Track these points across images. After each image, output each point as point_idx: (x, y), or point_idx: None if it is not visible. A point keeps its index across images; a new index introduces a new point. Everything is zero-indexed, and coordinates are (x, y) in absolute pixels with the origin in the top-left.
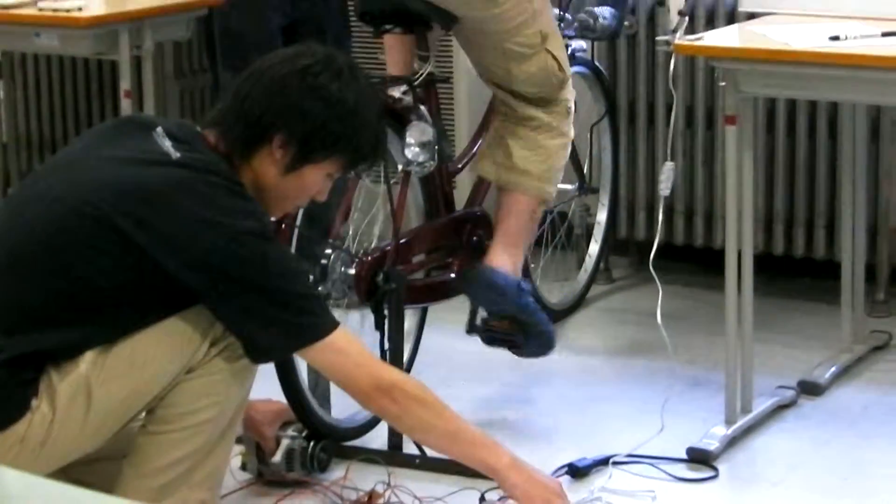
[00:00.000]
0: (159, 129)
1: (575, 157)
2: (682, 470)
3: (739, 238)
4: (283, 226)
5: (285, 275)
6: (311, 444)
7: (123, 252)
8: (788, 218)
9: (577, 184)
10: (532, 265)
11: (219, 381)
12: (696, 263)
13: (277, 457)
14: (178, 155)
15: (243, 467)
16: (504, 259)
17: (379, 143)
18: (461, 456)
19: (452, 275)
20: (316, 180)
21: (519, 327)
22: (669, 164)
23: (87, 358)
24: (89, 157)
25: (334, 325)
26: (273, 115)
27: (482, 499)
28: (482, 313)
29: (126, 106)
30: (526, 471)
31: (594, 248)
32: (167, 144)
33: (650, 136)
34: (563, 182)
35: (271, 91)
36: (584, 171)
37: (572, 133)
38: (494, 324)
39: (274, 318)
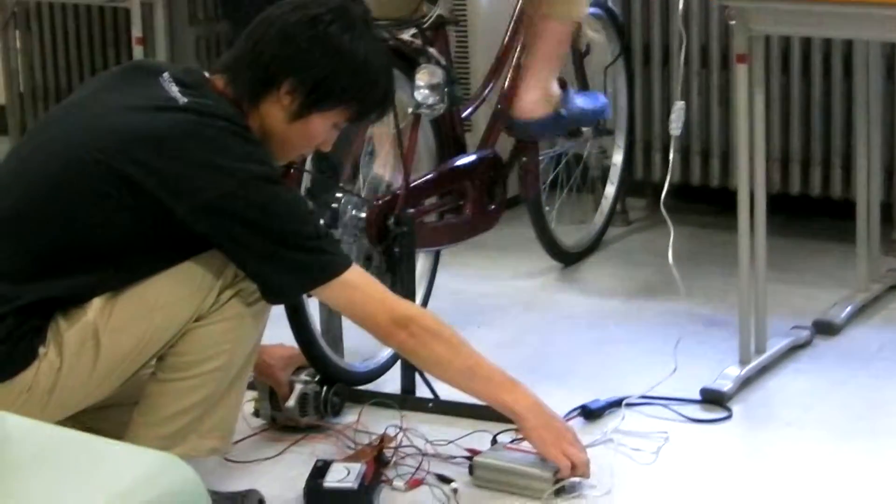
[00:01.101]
0: (166, 75)
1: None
2: (696, 411)
3: (752, 178)
4: (293, 169)
5: (295, 216)
6: (324, 388)
7: (131, 198)
8: (805, 158)
9: (591, 125)
10: (548, 208)
11: (230, 329)
12: (712, 204)
13: (291, 401)
14: (185, 100)
15: (256, 413)
16: (534, 97)
17: (387, 98)
18: (479, 393)
19: (465, 217)
20: (322, 129)
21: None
22: (680, 104)
23: (95, 305)
24: (95, 105)
25: (348, 262)
26: (282, 61)
27: (494, 440)
28: None
29: (138, 53)
30: (544, 414)
31: (610, 189)
32: (174, 90)
33: (665, 77)
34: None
35: (282, 38)
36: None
37: None
38: None
39: (287, 259)
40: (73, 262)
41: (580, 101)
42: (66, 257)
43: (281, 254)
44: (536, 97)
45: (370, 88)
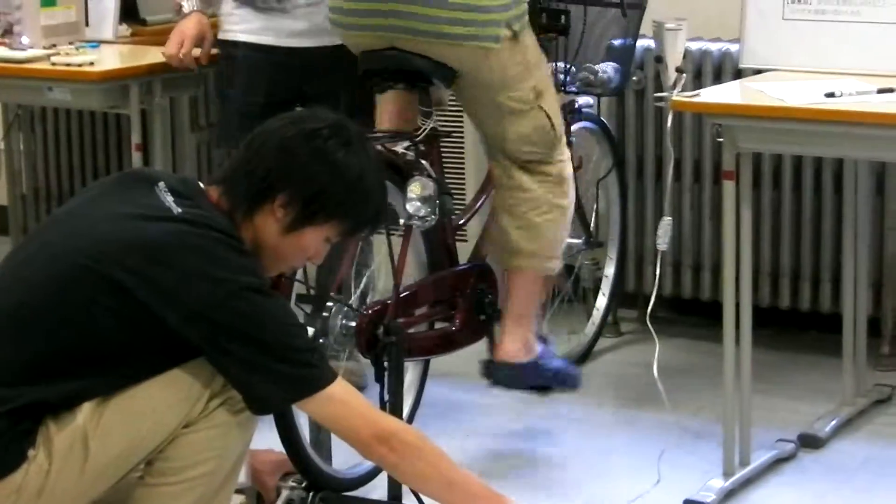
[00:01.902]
0: (161, 184)
1: (581, 212)
2: None
3: (738, 292)
4: (283, 278)
5: (284, 329)
6: (311, 494)
7: (123, 306)
8: (795, 272)
9: (583, 238)
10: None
11: (218, 435)
12: (703, 317)
13: None
14: (179, 210)
15: None
16: (515, 345)
17: (379, 214)
18: None
19: (455, 328)
20: (314, 242)
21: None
22: (667, 220)
23: (85, 409)
24: (92, 211)
25: (333, 376)
26: (278, 174)
27: None
28: None
29: (136, 159)
30: None
31: (602, 301)
32: (169, 199)
33: (658, 191)
34: (570, 237)
35: (279, 150)
36: (591, 225)
37: (569, 199)
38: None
39: (274, 371)
40: (65, 367)
41: (557, 363)
42: (59, 362)
43: (267, 365)
44: (517, 346)
45: (364, 205)
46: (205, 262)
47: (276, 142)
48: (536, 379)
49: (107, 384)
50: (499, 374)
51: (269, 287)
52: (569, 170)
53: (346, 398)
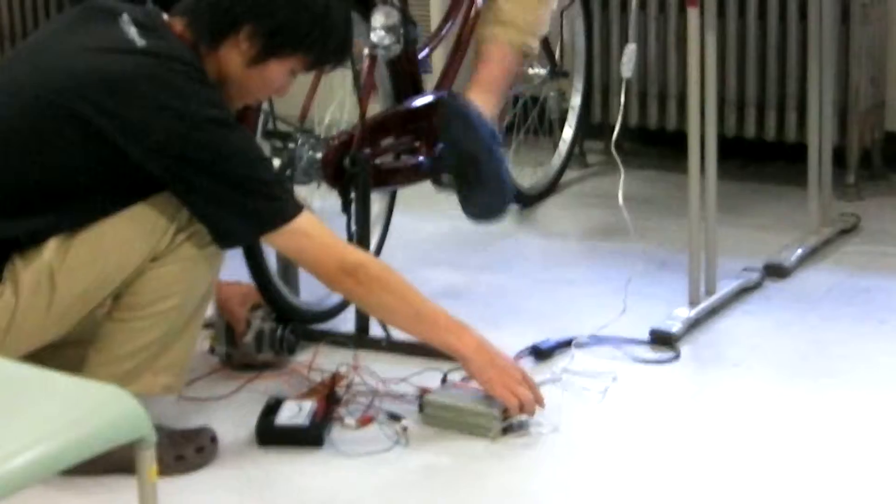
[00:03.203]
0: (125, 17)
1: (546, 42)
2: (645, 351)
3: (703, 121)
4: (249, 111)
5: (248, 161)
6: (280, 326)
7: (87, 140)
8: (760, 102)
9: (548, 67)
10: (505, 149)
11: (185, 269)
12: (669, 147)
13: (248, 337)
14: (142, 42)
15: (211, 350)
16: (479, 101)
17: (345, 47)
18: (426, 337)
19: (421, 158)
20: (279, 75)
21: (475, 169)
22: (632, 46)
23: (51, 245)
24: (53, 46)
25: (298, 209)
26: (242, 6)
27: (444, 379)
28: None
29: None
30: (490, 354)
31: (568, 132)
32: (132, 31)
33: (623, 21)
34: (534, 67)
35: None
36: (556, 55)
37: None
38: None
39: (238, 204)
40: (29, 204)
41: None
42: (23, 198)
43: (232, 198)
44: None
45: (329, 37)
46: (168, 94)
47: None
48: (485, 141)
49: (72, 220)
50: (451, 105)
51: (233, 119)
52: None
53: (312, 231)
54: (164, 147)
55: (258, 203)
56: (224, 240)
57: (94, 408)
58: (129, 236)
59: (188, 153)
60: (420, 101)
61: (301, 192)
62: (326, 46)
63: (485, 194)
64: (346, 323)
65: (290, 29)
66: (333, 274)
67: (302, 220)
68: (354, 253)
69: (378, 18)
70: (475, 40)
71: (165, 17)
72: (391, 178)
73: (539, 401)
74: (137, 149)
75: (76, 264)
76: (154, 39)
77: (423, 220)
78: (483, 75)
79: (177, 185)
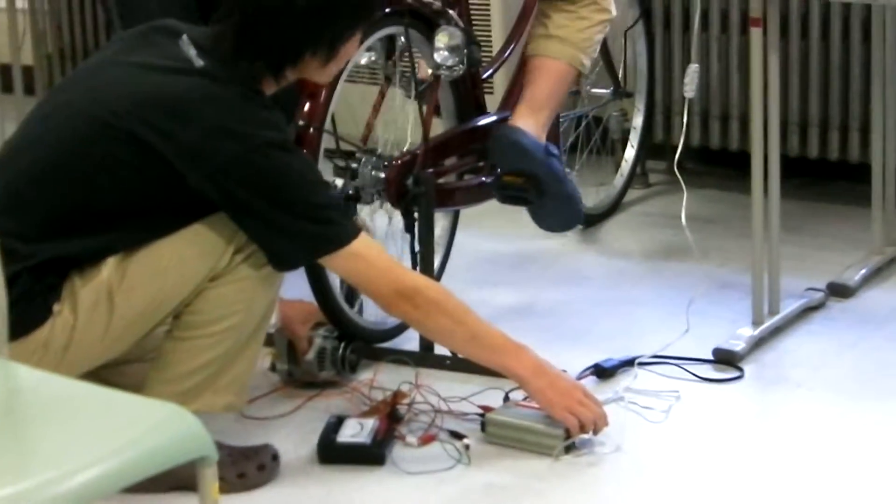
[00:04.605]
0: (185, 37)
1: (609, 62)
2: (708, 370)
3: (766, 141)
4: (312, 129)
5: (306, 185)
6: (342, 344)
7: (143, 162)
8: (823, 122)
9: (611, 88)
10: (568, 170)
11: (245, 288)
12: (731, 167)
13: (310, 355)
14: (201, 63)
15: (272, 368)
16: (528, 121)
17: None
18: (484, 360)
19: (484, 178)
20: (352, 49)
21: (537, 188)
22: (694, 66)
23: (110, 264)
24: (113, 66)
25: (355, 233)
26: (294, 46)
27: (506, 398)
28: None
29: None
30: (549, 375)
31: (630, 152)
32: (192, 52)
33: (685, 41)
34: (597, 87)
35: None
36: (619, 75)
37: (614, 10)
38: (507, 178)
39: (295, 228)
40: (87, 222)
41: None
42: (81, 217)
43: (287, 223)
44: (531, 130)
45: (364, 4)
46: (226, 117)
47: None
48: (542, 162)
49: (129, 240)
50: (502, 135)
51: (291, 142)
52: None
53: (369, 254)
54: (221, 171)
55: (314, 228)
56: (279, 263)
57: (155, 426)
58: (186, 256)
59: (245, 177)
60: (483, 121)
61: (363, 211)
62: (365, 10)
63: (556, 208)
64: (409, 341)
65: (344, 26)
66: (390, 298)
67: (358, 244)
68: (411, 277)
69: (441, 39)
70: (523, 54)
71: None
72: (454, 198)
73: (602, 419)
74: (194, 172)
75: (134, 283)
76: (212, 60)
77: (485, 239)
78: (532, 90)
79: (233, 209)
